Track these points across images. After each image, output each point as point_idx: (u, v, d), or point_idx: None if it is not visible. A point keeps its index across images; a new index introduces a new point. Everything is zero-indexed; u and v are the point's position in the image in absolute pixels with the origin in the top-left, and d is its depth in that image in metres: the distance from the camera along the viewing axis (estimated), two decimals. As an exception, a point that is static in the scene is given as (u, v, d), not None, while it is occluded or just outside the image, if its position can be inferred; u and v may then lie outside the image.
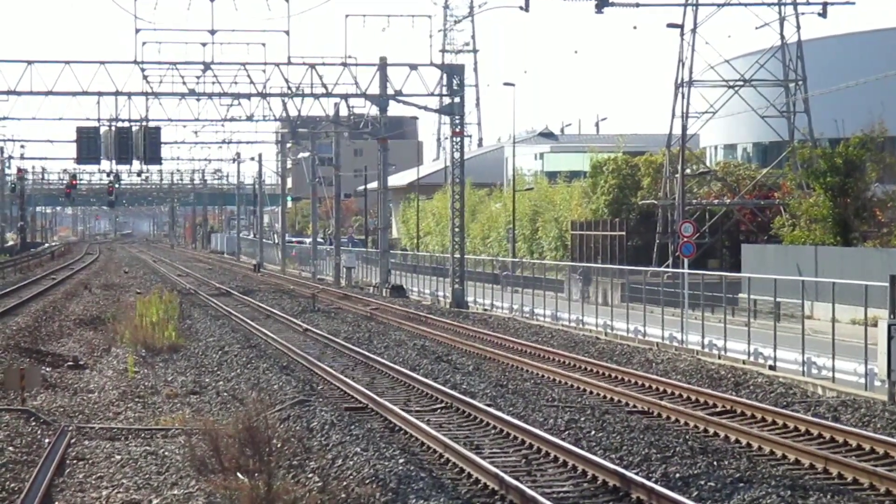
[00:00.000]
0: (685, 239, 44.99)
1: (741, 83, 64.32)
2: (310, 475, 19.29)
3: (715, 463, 19.99)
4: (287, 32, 59.39)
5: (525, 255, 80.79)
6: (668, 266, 56.90)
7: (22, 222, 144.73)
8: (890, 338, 26.59)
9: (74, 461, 21.20)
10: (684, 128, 64.21)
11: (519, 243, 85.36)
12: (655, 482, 18.25)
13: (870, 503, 17.98)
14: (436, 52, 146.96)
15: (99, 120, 62.85)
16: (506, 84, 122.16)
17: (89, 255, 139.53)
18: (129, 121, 62.76)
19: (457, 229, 62.07)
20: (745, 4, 64.05)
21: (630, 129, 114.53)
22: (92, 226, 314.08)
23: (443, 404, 26.54)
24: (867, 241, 53.00)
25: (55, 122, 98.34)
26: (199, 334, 43.21)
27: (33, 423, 24.49)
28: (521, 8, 60.07)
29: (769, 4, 64.15)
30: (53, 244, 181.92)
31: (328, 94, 62.47)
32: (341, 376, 30.67)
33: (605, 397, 28.20)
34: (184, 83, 60.43)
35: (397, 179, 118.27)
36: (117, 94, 60.41)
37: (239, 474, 18.06)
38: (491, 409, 24.71)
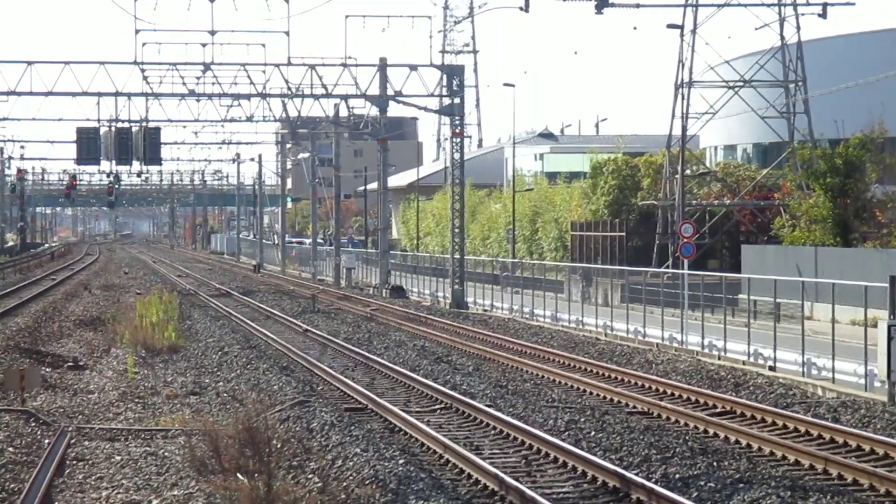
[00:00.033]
0: (685, 240, 44.98)
1: (741, 84, 64.32)
2: (310, 476, 19.29)
3: (715, 464, 19.99)
4: (287, 33, 59.34)
5: (525, 256, 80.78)
6: (667, 267, 56.88)
7: (22, 223, 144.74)
8: (890, 339, 26.59)
9: (74, 462, 21.20)
10: (684, 128, 64.21)
11: (519, 244, 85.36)
12: (655, 483, 18.25)
13: (870, 504, 18.01)
14: (436, 53, 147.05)
15: (99, 120, 62.83)
16: (506, 85, 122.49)
17: (89, 256, 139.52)
18: (129, 121, 62.73)
19: (457, 230, 62.06)
20: (745, 5, 64.05)
21: (630, 130, 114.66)
22: (92, 226, 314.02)
23: (442, 405, 26.55)
24: (867, 241, 52.99)
25: (55, 123, 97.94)
26: (198, 335, 43.21)
27: (33, 424, 24.49)
28: (520, 9, 60.07)
29: (769, 5, 64.15)
30: (53, 245, 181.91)
31: (328, 95, 62.44)
32: (341, 377, 30.67)
33: (604, 398, 28.20)
34: (184, 84, 60.43)
35: (397, 180, 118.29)
36: (117, 94, 60.39)
37: (239, 475, 18.06)
38: (491, 410, 24.71)
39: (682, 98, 63.93)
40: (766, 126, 65.52)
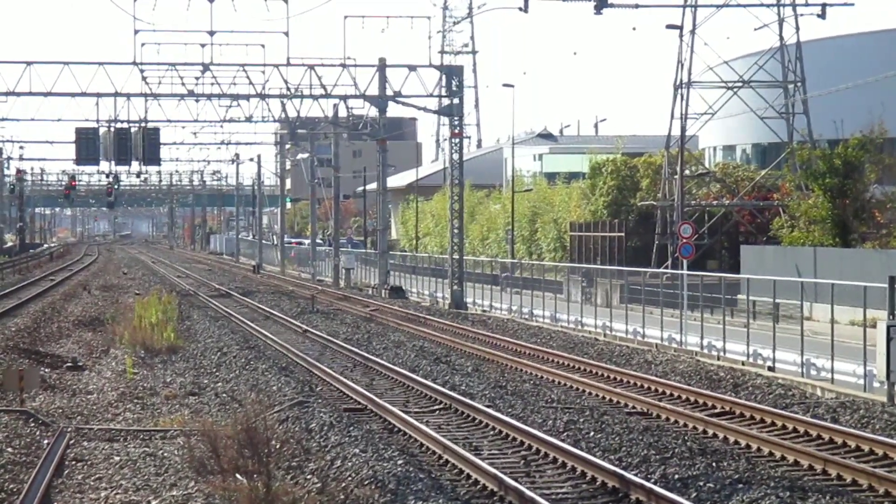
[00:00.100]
0: (684, 240, 45.00)
1: (740, 84, 64.34)
2: (309, 476, 19.29)
3: (714, 464, 19.99)
4: (286, 33, 59.35)
5: (524, 257, 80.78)
6: (667, 267, 56.88)
7: (21, 223, 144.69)
8: (889, 339, 26.60)
9: (73, 462, 21.19)
10: (683, 129, 64.21)
11: (518, 244, 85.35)
12: (654, 483, 18.25)
13: (869, 504, 18.01)
14: (435, 54, 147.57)
15: (98, 121, 62.84)
16: (505, 85, 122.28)
17: (88, 257, 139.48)
18: (128, 122, 62.72)
19: (456, 230, 62.05)
20: (744, 6, 64.07)
21: (629, 131, 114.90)
22: (91, 227, 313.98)
23: (442, 405, 26.55)
24: (866, 242, 53.01)
25: (54, 123, 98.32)
26: (198, 335, 43.20)
27: (32, 424, 24.47)
28: (520, 9, 60.05)
29: (768, 6, 64.18)
30: (52, 245, 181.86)
31: (327, 95, 62.45)
32: (340, 377, 30.67)
33: (604, 398, 28.20)
34: (183, 84, 60.44)
35: (396, 180, 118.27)
36: (116, 95, 60.39)
37: (238, 475, 18.05)
38: (490, 411, 24.71)
39: (681, 98, 63.95)
40: (765, 126, 65.54)
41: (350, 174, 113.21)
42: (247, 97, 63.32)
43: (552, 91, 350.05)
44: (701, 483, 18.56)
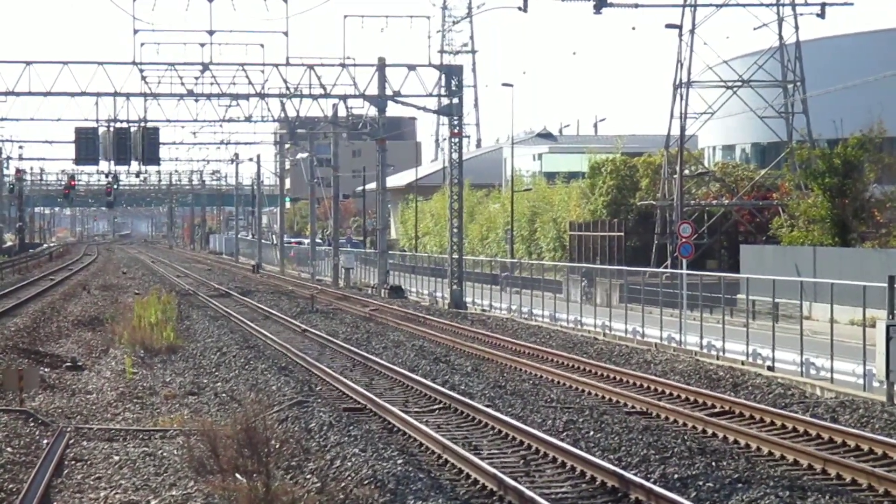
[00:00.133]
0: (683, 239, 44.99)
1: (739, 84, 64.35)
2: (308, 476, 19.29)
3: (713, 463, 19.99)
4: (285, 33, 59.34)
5: (523, 256, 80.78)
6: (666, 267, 56.90)
7: (20, 223, 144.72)
8: (888, 338, 26.59)
9: (73, 462, 21.19)
10: (683, 129, 64.21)
11: (517, 244, 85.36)
12: (654, 483, 18.25)
13: (868, 504, 18.01)
14: (434, 53, 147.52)
15: (97, 121, 62.81)
16: (504, 85, 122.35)
17: (88, 256, 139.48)
18: (128, 121, 62.69)
19: (455, 230, 62.04)
20: (744, 5, 64.10)
21: (628, 130, 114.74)
22: (90, 227, 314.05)
23: (441, 405, 26.54)
24: (865, 241, 53.03)
25: (53, 123, 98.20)
26: (197, 335, 43.20)
27: (31, 424, 24.47)
28: (519, 9, 60.13)
29: (767, 5, 64.21)
30: (52, 245, 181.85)
31: (327, 95, 62.43)
32: (340, 377, 30.67)
33: (603, 398, 28.20)
34: (182, 84, 60.42)
35: (396, 180, 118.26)
36: (116, 94, 60.37)
37: (237, 475, 18.05)
38: (489, 410, 24.71)
39: (681, 98, 63.97)
40: (764, 126, 65.56)
41: (349, 174, 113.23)
42: (246, 97, 63.31)
43: (552, 91, 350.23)
44: (700, 483, 18.56)
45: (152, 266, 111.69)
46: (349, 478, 19.07)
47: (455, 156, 61.64)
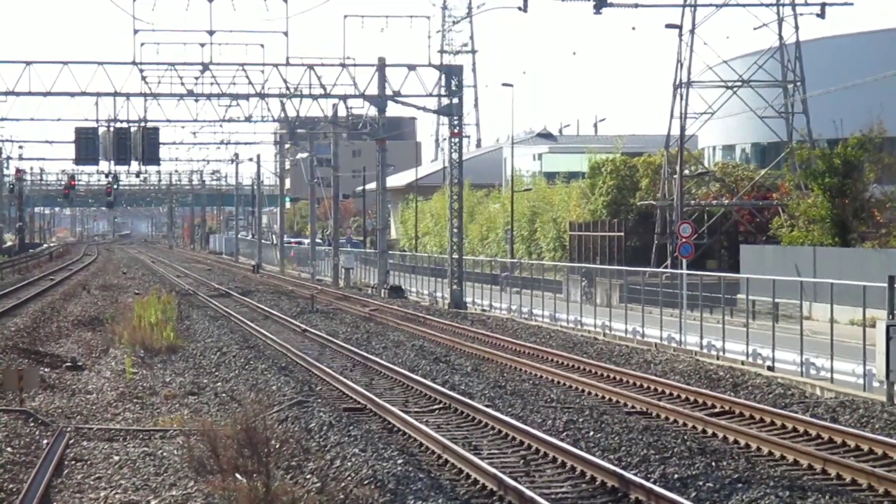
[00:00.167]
0: (683, 239, 44.99)
1: (739, 84, 64.35)
2: (308, 476, 19.29)
3: (713, 463, 19.99)
4: (285, 33, 59.33)
5: (523, 256, 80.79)
6: (666, 267, 56.90)
7: (20, 223, 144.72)
8: (888, 338, 26.59)
9: (73, 462, 21.19)
10: (682, 128, 64.21)
11: (517, 244, 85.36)
12: (654, 483, 18.25)
13: (868, 504, 18.01)
14: (434, 53, 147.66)
15: (97, 121, 62.81)
16: (504, 85, 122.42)
17: (88, 256, 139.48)
18: (128, 121, 62.69)
19: (455, 230, 62.04)
20: (744, 5, 64.10)
21: (628, 130, 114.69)
22: (90, 227, 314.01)
23: (441, 405, 26.54)
24: (865, 241, 53.03)
25: (54, 123, 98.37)
26: (197, 335, 43.20)
27: (31, 424, 24.47)
28: (519, 9, 60.13)
29: (767, 5, 64.21)
30: (52, 245, 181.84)
31: (327, 95, 62.43)
32: (340, 377, 30.67)
33: (603, 398, 28.20)
34: (182, 84, 60.41)
35: (396, 180, 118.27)
36: (116, 94, 60.36)
37: (237, 475, 18.05)
38: (489, 410, 24.71)
39: (681, 98, 63.97)
40: (764, 126, 65.55)
41: (349, 174, 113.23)
42: (246, 97, 63.30)
43: (552, 91, 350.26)
44: (700, 482, 18.56)
45: (152, 266, 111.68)
46: (349, 478, 19.07)
47: (455, 156, 61.64)
